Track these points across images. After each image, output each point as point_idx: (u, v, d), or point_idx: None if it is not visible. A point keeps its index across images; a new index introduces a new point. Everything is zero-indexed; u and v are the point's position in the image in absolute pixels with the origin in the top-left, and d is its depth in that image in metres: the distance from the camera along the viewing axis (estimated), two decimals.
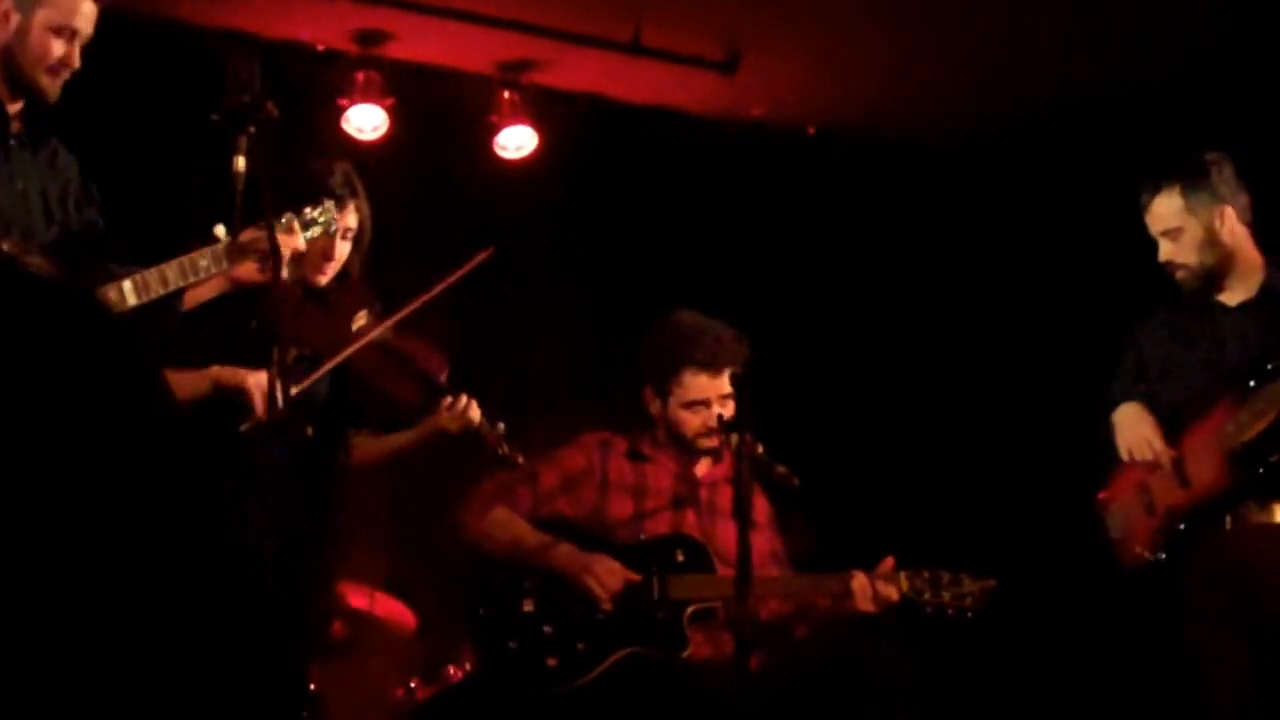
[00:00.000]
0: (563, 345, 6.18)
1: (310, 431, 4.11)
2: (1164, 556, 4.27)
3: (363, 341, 3.95)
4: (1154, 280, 4.49)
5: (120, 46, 5.15)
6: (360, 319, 4.05)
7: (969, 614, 4.28)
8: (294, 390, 3.50)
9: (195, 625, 2.21)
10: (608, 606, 4.27)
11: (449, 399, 4.20)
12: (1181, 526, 4.23)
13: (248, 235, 3.56)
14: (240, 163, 3.37)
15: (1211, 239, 4.30)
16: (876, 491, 6.23)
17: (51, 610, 2.07)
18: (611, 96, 6.46)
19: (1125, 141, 6.02)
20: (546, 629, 4.29)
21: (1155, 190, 4.37)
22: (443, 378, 4.20)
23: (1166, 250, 4.36)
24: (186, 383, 3.74)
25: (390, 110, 6.02)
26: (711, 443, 4.45)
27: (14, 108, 3.53)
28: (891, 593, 4.25)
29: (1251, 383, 4.13)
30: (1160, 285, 4.50)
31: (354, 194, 4.15)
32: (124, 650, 2.12)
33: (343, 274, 4.22)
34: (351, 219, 4.16)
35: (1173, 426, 4.31)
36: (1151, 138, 5.86)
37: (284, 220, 3.72)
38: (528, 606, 4.31)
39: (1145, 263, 4.47)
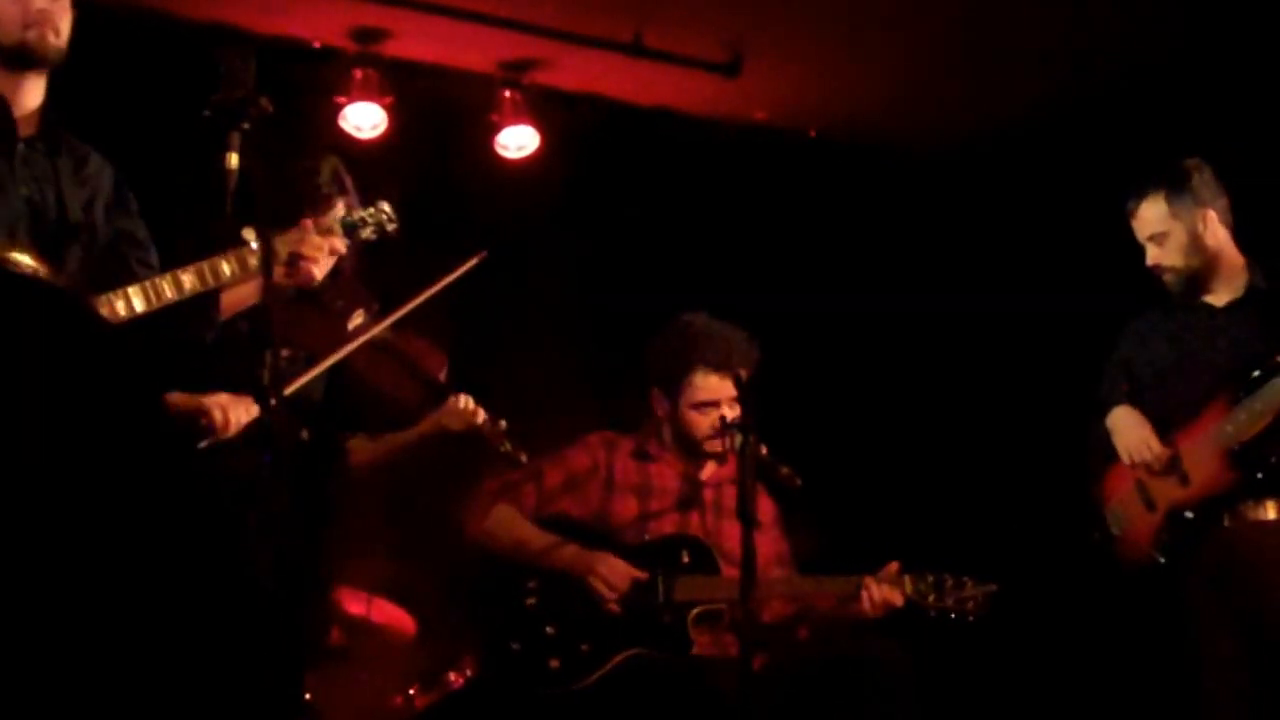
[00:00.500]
0: (563, 346, 6.12)
1: (305, 435, 4.02)
2: (1168, 554, 4.33)
3: (358, 341, 3.85)
4: (1150, 284, 4.54)
5: (111, 40, 5.08)
6: (356, 318, 3.95)
7: (971, 618, 4.28)
8: (287, 391, 3.38)
9: (190, 633, 2.19)
10: (613, 607, 4.24)
11: (449, 398, 4.16)
12: (1189, 515, 4.29)
13: (279, 238, 3.50)
14: (233, 159, 3.24)
15: (1196, 242, 4.39)
16: (879, 493, 6.21)
17: (47, 618, 2.05)
18: (613, 97, 6.44)
19: (1122, 146, 6.00)
20: (550, 629, 4.27)
21: (1140, 197, 4.47)
22: (442, 376, 4.13)
23: (1153, 254, 4.45)
24: None
25: (389, 109, 5.96)
26: (717, 446, 4.44)
27: (24, 103, 3.39)
28: (896, 597, 4.24)
29: (1246, 383, 4.19)
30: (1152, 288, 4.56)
31: (342, 190, 4.06)
32: (120, 658, 2.09)
33: (335, 272, 4.11)
34: (340, 215, 4.04)
35: (1164, 426, 4.37)
36: (1146, 143, 5.87)
37: (325, 221, 3.63)
38: (531, 606, 4.29)
39: (1140, 266, 4.53)
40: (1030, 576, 5.13)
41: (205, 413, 3.62)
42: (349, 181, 4.10)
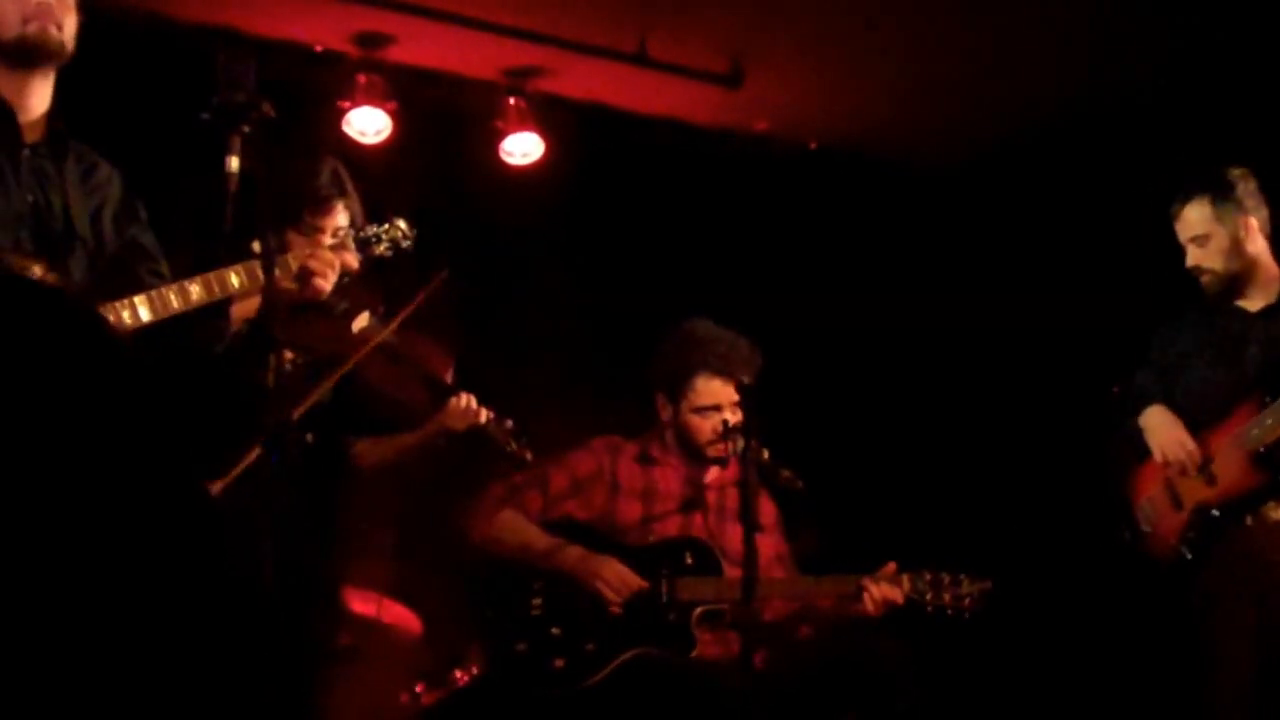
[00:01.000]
0: (567, 351, 6.11)
1: (311, 439, 3.98)
2: (1193, 550, 4.35)
3: (368, 347, 3.79)
4: (1150, 287, 4.72)
5: (114, 44, 5.02)
6: (361, 321, 3.90)
7: (967, 614, 4.28)
8: (300, 409, 3.35)
9: (199, 636, 2.14)
10: (617, 609, 4.22)
11: (454, 398, 4.12)
12: (1215, 515, 4.32)
13: (299, 250, 3.46)
14: (233, 163, 3.18)
15: (1236, 247, 4.44)
16: (879, 495, 6.20)
17: (55, 621, 2.02)
18: (617, 106, 6.41)
19: (1121, 159, 6.12)
20: (555, 630, 4.25)
21: (1185, 199, 4.50)
22: (448, 377, 4.15)
23: (1194, 255, 4.48)
24: None
25: (393, 114, 5.91)
26: (720, 450, 4.42)
27: (29, 108, 3.32)
28: (896, 596, 4.24)
29: (1275, 388, 4.24)
30: (1154, 293, 4.73)
31: (342, 193, 4.01)
32: (130, 661, 2.07)
33: (340, 275, 4.06)
34: (342, 217, 4.01)
35: (1194, 426, 4.40)
36: (1145, 155, 5.87)
37: (339, 236, 3.61)
38: (536, 608, 4.28)
39: (1140, 270, 4.72)
40: (1027, 577, 5.12)
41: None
42: (349, 184, 4.05)
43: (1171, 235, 4.56)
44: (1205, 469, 4.34)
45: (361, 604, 4.71)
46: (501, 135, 6.11)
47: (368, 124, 5.89)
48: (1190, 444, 4.35)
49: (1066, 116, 6.26)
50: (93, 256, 3.33)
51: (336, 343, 3.82)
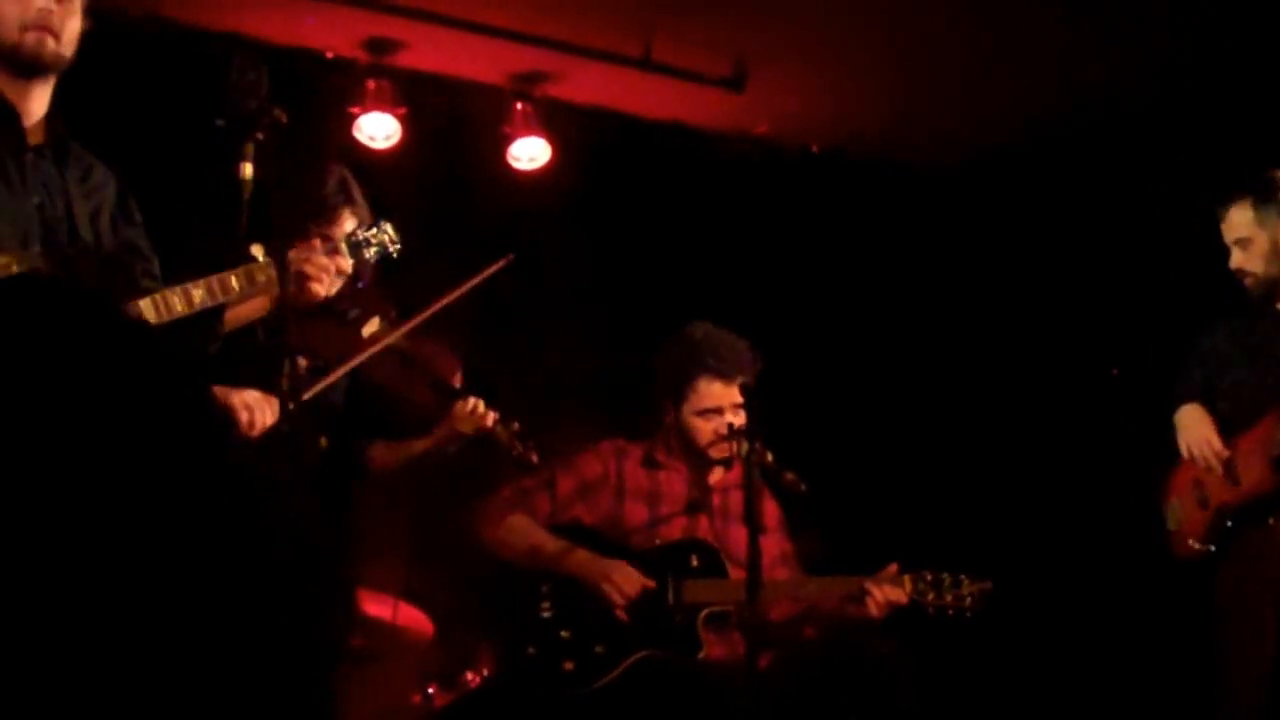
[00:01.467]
0: (574, 353, 6.10)
1: (325, 443, 3.99)
2: (1213, 549, 4.35)
3: (373, 349, 3.78)
4: (1150, 290, 4.74)
5: (126, 51, 5.01)
6: (372, 325, 3.88)
7: (968, 614, 4.26)
8: (304, 396, 3.30)
9: (220, 633, 2.11)
10: (624, 612, 4.20)
11: (461, 402, 4.10)
12: (1229, 524, 4.31)
13: (289, 255, 3.35)
14: (247, 169, 3.18)
15: (1277, 251, 4.40)
16: (881, 496, 6.19)
17: (75, 617, 2.00)
18: (623, 110, 6.41)
19: (1121, 162, 6.14)
20: (564, 633, 4.23)
21: (1229, 201, 4.47)
22: (456, 381, 4.10)
23: (1237, 258, 4.45)
24: None
25: (403, 119, 5.92)
26: (723, 452, 4.39)
27: (32, 111, 3.30)
28: (899, 597, 4.22)
29: None
30: (1154, 301, 4.82)
31: (349, 200, 4.00)
32: (149, 660, 2.04)
33: (354, 279, 4.04)
34: (349, 225, 3.99)
35: (1229, 426, 4.39)
36: (1145, 158, 5.84)
37: (332, 241, 3.53)
38: (545, 611, 4.26)
39: (1140, 274, 4.47)
40: (1028, 578, 5.12)
41: (234, 410, 3.55)
42: (357, 192, 4.05)
43: (1172, 235, 4.55)
44: (1231, 470, 4.33)
45: (375, 606, 4.70)
46: (509, 140, 6.11)
47: (377, 129, 5.90)
48: (1216, 444, 4.35)
49: (1068, 119, 6.26)
50: (94, 256, 3.30)
51: (348, 348, 3.79)
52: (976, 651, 5.40)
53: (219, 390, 3.58)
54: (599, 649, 4.17)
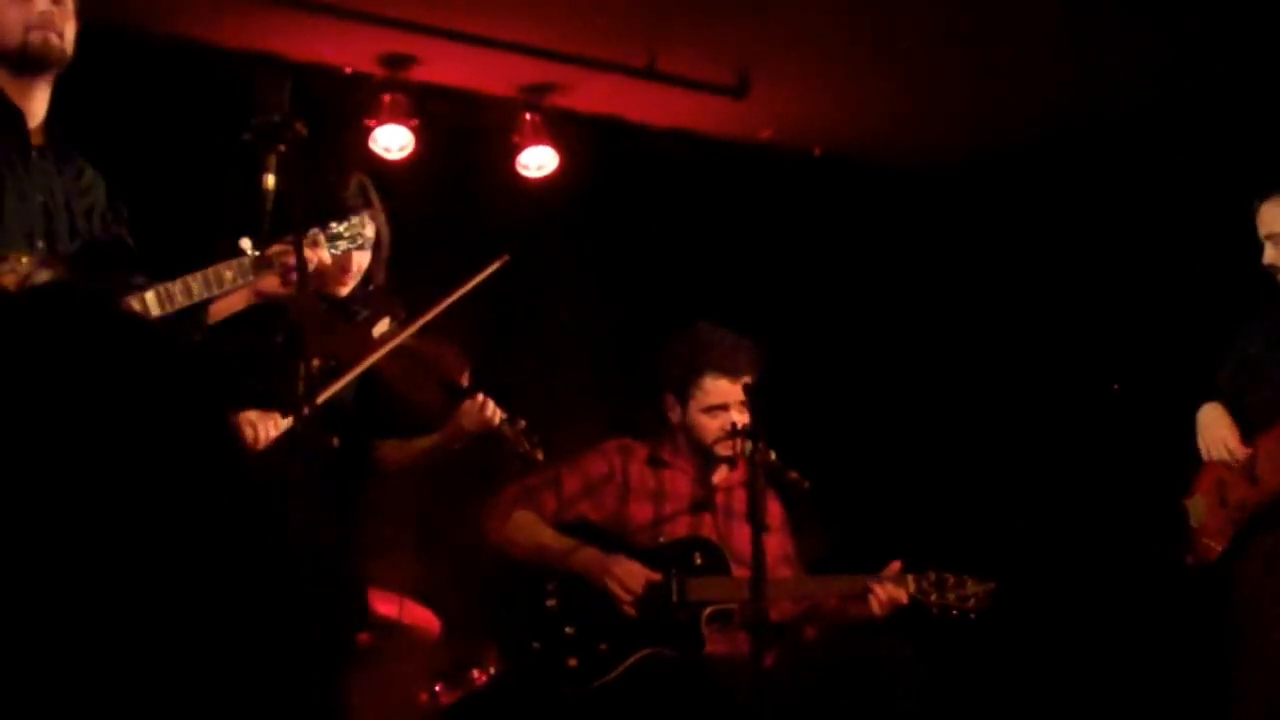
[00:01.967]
0: (580, 354, 6.13)
1: (336, 442, 3.98)
2: (1229, 548, 4.28)
3: (383, 350, 3.81)
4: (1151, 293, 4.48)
5: (157, 69, 5.08)
6: (382, 326, 3.92)
7: (972, 615, 4.23)
8: (318, 400, 3.34)
9: (229, 631, 2.12)
10: (629, 609, 4.18)
11: (469, 400, 4.09)
12: (1247, 524, 4.24)
13: (275, 249, 3.44)
14: (270, 180, 3.25)
15: None
16: (884, 495, 6.19)
17: (88, 616, 1.98)
18: (628, 119, 6.43)
19: (1124, 164, 6.10)
20: (568, 630, 4.21)
21: (1265, 197, 4.34)
22: (463, 380, 4.08)
23: (1270, 254, 4.32)
24: None
25: (416, 130, 5.95)
26: (727, 450, 4.38)
27: (35, 113, 3.37)
28: (901, 596, 4.20)
29: None
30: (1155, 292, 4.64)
31: (368, 205, 4.03)
32: (159, 658, 2.03)
33: (365, 282, 4.08)
34: (368, 229, 4.02)
35: (1258, 423, 4.30)
36: (1149, 160, 5.85)
37: (309, 235, 3.57)
38: (551, 608, 4.24)
39: (1140, 277, 4.46)
40: (1031, 578, 5.09)
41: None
42: (375, 197, 4.07)
43: (1172, 235, 4.47)
44: (1251, 469, 4.25)
45: (383, 605, 4.70)
46: (518, 149, 6.14)
47: (392, 140, 5.93)
48: (1233, 443, 4.28)
49: (1069, 122, 6.26)
50: (90, 253, 3.38)
51: (359, 349, 3.82)
52: (981, 652, 5.40)
53: None
54: (602, 646, 4.16)
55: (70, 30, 3.34)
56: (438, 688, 4.88)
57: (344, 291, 4.05)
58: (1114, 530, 5.67)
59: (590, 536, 4.30)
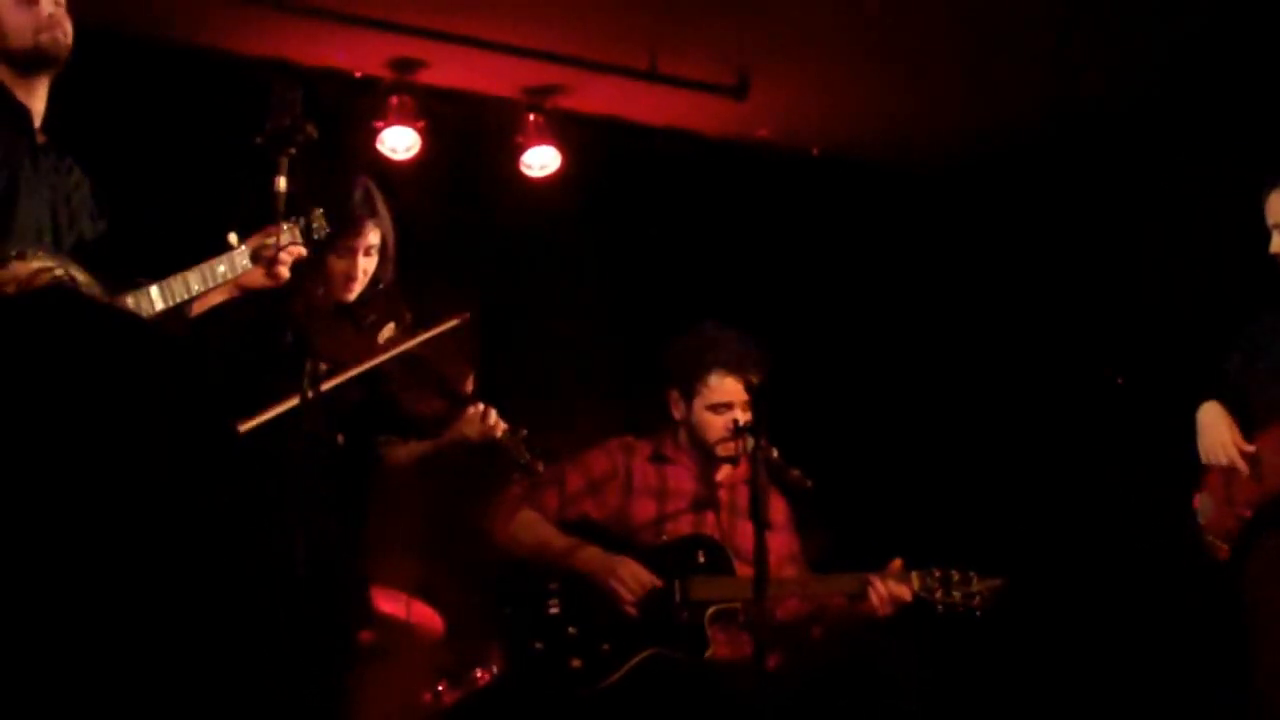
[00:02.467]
0: (583, 352, 6.13)
1: (341, 440, 3.96)
2: (1235, 546, 4.20)
3: (384, 356, 3.79)
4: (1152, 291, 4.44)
5: (171, 75, 5.09)
6: (387, 331, 3.91)
7: (977, 612, 4.20)
8: (309, 395, 3.33)
9: (230, 632, 2.12)
10: (632, 609, 4.17)
11: (472, 408, 4.05)
12: (1253, 522, 4.16)
13: (254, 242, 3.47)
14: (281, 182, 3.26)
15: None
16: (887, 493, 6.17)
17: (87, 614, 2.04)
18: (630, 119, 6.44)
19: (1123, 164, 6.10)
20: (571, 630, 4.19)
21: (1272, 186, 4.21)
22: (466, 388, 4.05)
23: (1276, 243, 4.20)
24: None
25: (422, 132, 5.98)
26: (730, 449, 4.36)
27: (37, 112, 3.39)
28: (904, 593, 4.18)
29: None
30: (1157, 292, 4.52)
31: (373, 212, 4.02)
32: (161, 656, 2.04)
33: (374, 282, 4.07)
34: (373, 236, 4.02)
35: (1268, 416, 4.20)
36: (1147, 160, 5.85)
37: (285, 227, 3.57)
38: (553, 608, 4.23)
39: (1141, 275, 4.43)
40: (1035, 575, 5.06)
41: None
42: (380, 204, 4.06)
43: (1174, 232, 4.41)
44: (1256, 467, 4.16)
45: (388, 603, 4.69)
46: (522, 149, 6.16)
47: (399, 142, 5.96)
48: (1230, 446, 4.19)
49: (1069, 122, 6.26)
50: (81, 249, 3.40)
51: (362, 353, 3.81)
52: (986, 650, 5.39)
53: None
54: (605, 647, 4.14)
55: (70, 27, 3.38)
56: (441, 686, 4.87)
57: (350, 298, 4.04)
58: (1121, 527, 5.64)
59: (593, 535, 4.29)
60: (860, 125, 6.52)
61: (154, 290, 3.28)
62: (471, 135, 6.14)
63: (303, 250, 3.65)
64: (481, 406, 4.06)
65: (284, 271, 3.53)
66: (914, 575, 4.19)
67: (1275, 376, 4.22)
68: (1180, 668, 5.15)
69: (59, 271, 3.09)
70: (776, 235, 6.65)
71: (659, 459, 4.47)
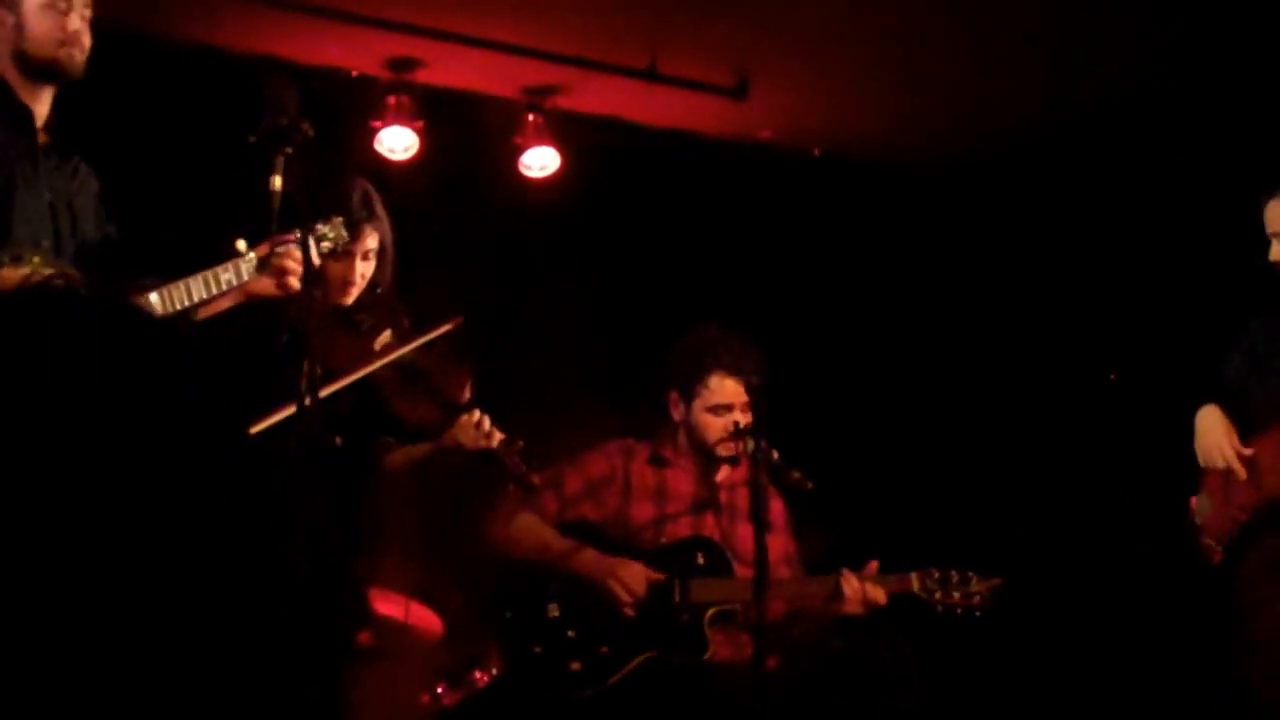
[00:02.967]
0: (582, 353, 6.10)
1: (339, 442, 3.94)
2: (1230, 549, 4.20)
3: (380, 363, 3.76)
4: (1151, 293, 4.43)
5: (167, 73, 5.06)
6: (384, 337, 3.88)
7: (976, 612, 4.19)
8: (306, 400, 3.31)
9: (229, 633, 2.10)
10: (630, 611, 4.16)
11: (468, 415, 4.00)
12: (1248, 525, 4.16)
13: (263, 250, 3.44)
14: (277, 182, 3.24)
15: None
16: (887, 494, 6.17)
17: (85, 614, 2.02)
18: (630, 120, 6.42)
19: (1123, 164, 6.09)
20: (570, 633, 4.19)
21: (1273, 194, 4.22)
22: (462, 394, 4.01)
23: (1275, 251, 4.21)
24: None
25: (420, 132, 5.96)
26: (729, 450, 4.36)
27: (40, 111, 3.38)
28: (879, 595, 4.16)
29: None
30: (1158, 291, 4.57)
31: (371, 216, 4.00)
32: (158, 656, 2.06)
33: (372, 286, 4.04)
34: (371, 240, 4.00)
35: (1265, 420, 4.20)
36: (1148, 160, 5.84)
37: (294, 234, 3.54)
38: (552, 611, 4.22)
39: (1141, 276, 4.42)
40: (1033, 575, 5.05)
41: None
42: (379, 207, 4.03)
43: (1173, 233, 4.42)
44: (1254, 470, 4.17)
45: (387, 605, 4.67)
46: (521, 150, 6.14)
47: (397, 142, 5.93)
48: (1228, 451, 4.19)
49: (1069, 122, 6.24)
50: (85, 251, 3.40)
51: (359, 358, 3.79)
52: (985, 650, 5.38)
53: None
54: (604, 649, 4.13)
55: (89, 42, 3.38)
56: (439, 689, 4.84)
57: (348, 302, 4.01)
58: (1120, 528, 5.64)
59: (592, 537, 4.28)
60: (860, 125, 6.51)
61: (153, 297, 3.26)
62: (470, 135, 6.11)
63: (314, 259, 3.62)
64: (476, 414, 4.01)
65: (294, 283, 3.51)
66: (914, 575, 4.19)
67: (1273, 380, 4.23)
68: (1179, 667, 5.14)
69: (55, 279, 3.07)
70: (777, 236, 6.64)
71: (658, 461, 4.47)
